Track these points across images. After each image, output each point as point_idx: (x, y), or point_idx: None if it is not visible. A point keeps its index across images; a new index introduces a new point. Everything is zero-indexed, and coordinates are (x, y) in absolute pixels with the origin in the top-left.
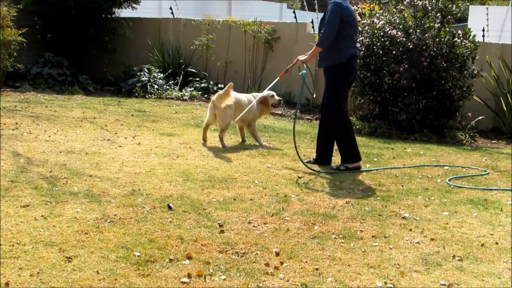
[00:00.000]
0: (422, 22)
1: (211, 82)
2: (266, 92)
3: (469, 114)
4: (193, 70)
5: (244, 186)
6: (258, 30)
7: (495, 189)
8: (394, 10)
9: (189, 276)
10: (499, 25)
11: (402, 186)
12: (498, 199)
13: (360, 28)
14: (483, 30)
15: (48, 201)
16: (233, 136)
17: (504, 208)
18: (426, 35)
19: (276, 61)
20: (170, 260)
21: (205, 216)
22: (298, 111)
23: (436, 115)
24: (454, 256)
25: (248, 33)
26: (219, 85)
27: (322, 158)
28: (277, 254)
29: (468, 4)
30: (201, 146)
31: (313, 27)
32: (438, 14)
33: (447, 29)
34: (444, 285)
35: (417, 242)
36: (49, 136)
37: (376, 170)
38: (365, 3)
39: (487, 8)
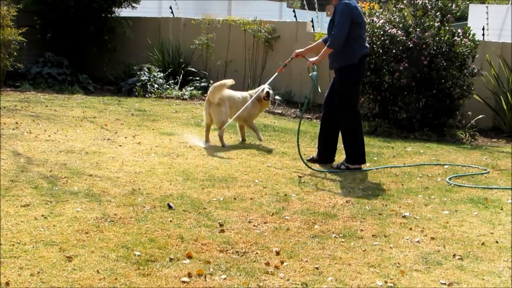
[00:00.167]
0: (422, 21)
1: (211, 81)
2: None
3: (469, 112)
4: (193, 69)
5: (244, 185)
6: (258, 29)
7: (495, 188)
8: (394, 9)
9: (189, 275)
10: (499, 24)
11: (402, 185)
12: (498, 198)
13: None
14: (483, 29)
15: (48, 200)
16: (233, 135)
17: (504, 207)
18: (426, 34)
19: (276, 60)
20: (171, 259)
21: (205, 215)
22: (298, 110)
23: (436, 114)
24: (454, 255)
25: (248, 32)
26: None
27: (324, 156)
28: (278, 253)
29: (468, 2)
30: (201, 145)
31: (313, 26)
32: (438, 13)
33: (447, 28)
34: (445, 284)
35: (418, 241)
36: (49, 136)
37: (376, 169)
38: (365, 2)
39: (487, 6)
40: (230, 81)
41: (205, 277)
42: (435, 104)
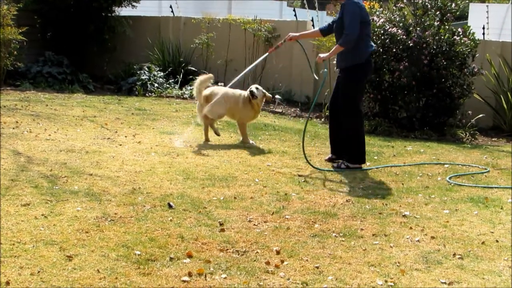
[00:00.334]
0: (422, 20)
1: (211, 81)
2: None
3: (469, 112)
4: (193, 69)
5: (244, 184)
6: (258, 28)
7: (495, 187)
8: (394, 8)
9: (189, 274)
10: (499, 23)
11: (403, 184)
12: (498, 197)
13: None
14: (483, 28)
15: (48, 200)
16: (234, 134)
17: (504, 206)
18: (426, 33)
19: (276, 59)
20: (171, 258)
21: (206, 214)
22: (299, 109)
23: (436, 113)
24: (454, 254)
25: (248, 31)
26: (219, 83)
27: (341, 154)
28: (278, 252)
29: (468, 1)
30: (201, 144)
31: (313, 25)
32: (438, 12)
33: (447, 27)
34: (445, 283)
35: (418, 240)
36: (50, 135)
37: (377, 168)
38: (365, 1)
39: (487, 6)
40: (207, 77)
41: (205, 276)
42: (435, 103)
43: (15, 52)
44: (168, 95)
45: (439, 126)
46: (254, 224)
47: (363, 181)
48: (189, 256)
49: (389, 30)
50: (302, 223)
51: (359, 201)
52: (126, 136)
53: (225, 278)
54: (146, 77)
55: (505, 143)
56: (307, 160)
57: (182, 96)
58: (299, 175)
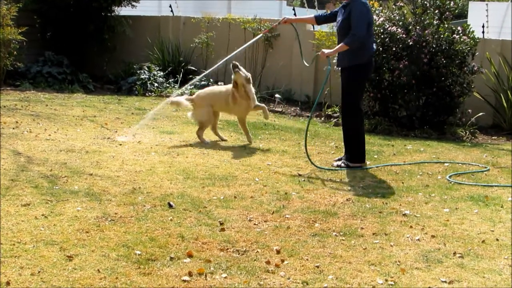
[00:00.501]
0: (422, 18)
1: (211, 80)
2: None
3: (469, 110)
4: (193, 68)
5: (244, 184)
6: (258, 28)
7: (495, 186)
8: (394, 6)
9: (190, 274)
10: (499, 21)
11: (403, 183)
12: (498, 196)
13: None
14: (483, 26)
15: (48, 200)
16: (234, 134)
17: (504, 205)
18: (426, 31)
19: (276, 59)
20: (171, 258)
21: (206, 214)
22: (299, 108)
23: (436, 112)
24: (454, 253)
25: (248, 31)
26: (219, 83)
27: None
28: (278, 252)
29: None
30: (201, 144)
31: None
32: (436, 11)
33: (446, 25)
34: (445, 282)
35: (418, 239)
36: (49, 135)
37: (377, 167)
38: None
39: (487, 4)
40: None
41: (205, 276)
42: (435, 102)
43: (15, 52)
44: (168, 94)
45: (439, 124)
46: (254, 224)
47: (363, 180)
48: (190, 255)
49: (389, 29)
50: (302, 222)
51: (359, 200)
52: (126, 136)
53: (225, 277)
54: (146, 76)
55: (505, 142)
56: (309, 159)
57: (182, 96)
58: (299, 174)
